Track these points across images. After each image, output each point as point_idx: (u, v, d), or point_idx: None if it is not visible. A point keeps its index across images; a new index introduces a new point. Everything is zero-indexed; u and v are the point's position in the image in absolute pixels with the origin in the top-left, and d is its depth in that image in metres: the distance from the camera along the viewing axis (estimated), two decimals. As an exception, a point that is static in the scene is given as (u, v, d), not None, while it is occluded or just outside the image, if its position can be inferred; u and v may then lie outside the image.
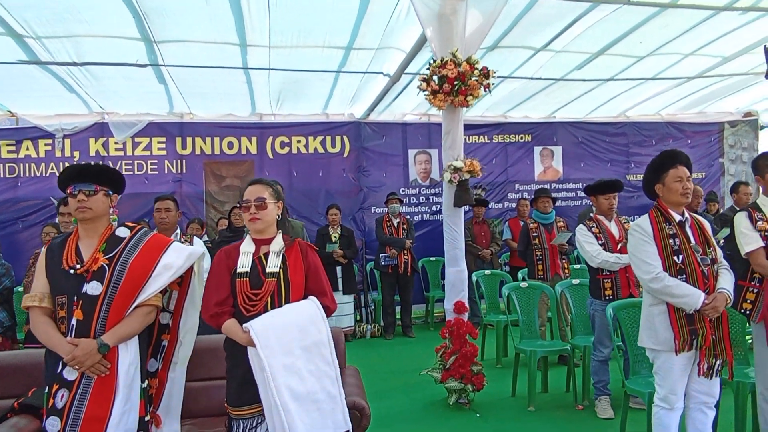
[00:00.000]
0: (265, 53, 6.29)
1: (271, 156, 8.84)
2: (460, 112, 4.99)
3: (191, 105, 8.22)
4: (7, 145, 8.16)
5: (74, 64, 6.33)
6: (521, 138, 9.59)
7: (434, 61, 4.83)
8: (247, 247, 2.87)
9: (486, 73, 4.79)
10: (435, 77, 4.78)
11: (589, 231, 4.76)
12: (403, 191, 9.11)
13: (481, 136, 9.45)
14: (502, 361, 6.24)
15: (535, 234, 6.27)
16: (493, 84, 4.95)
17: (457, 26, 4.79)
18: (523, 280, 6.25)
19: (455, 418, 4.79)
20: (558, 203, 9.40)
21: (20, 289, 6.30)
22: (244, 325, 2.65)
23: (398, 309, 8.25)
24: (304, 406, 2.66)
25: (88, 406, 2.55)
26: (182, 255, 2.83)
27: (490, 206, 9.10)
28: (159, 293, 2.77)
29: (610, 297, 4.63)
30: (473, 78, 4.73)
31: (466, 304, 5.08)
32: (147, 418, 2.77)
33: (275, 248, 2.85)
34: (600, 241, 4.72)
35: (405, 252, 7.91)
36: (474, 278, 6.53)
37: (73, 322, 2.59)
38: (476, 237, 8.16)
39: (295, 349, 2.70)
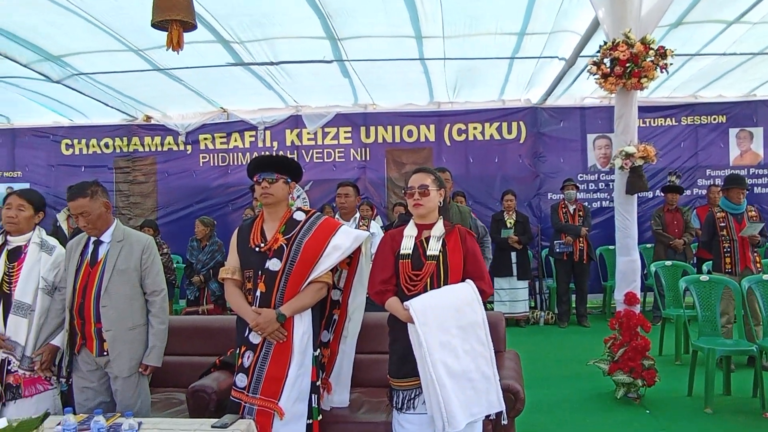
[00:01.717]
0: (439, 43, 6.50)
1: (448, 143, 9.06)
2: (634, 96, 4.77)
3: (374, 96, 8.71)
4: (220, 137, 9.35)
5: (271, 63, 7.06)
6: (714, 119, 8.78)
7: (605, 43, 4.67)
8: (410, 231, 3.07)
9: (662, 53, 4.54)
10: (606, 60, 4.63)
11: None
12: (581, 177, 8.85)
13: (668, 119, 8.83)
14: (681, 358, 5.88)
15: (722, 224, 5.76)
16: (671, 63, 4.67)
17: (631, 5, 4.58)
18: (709, 272, 5.80)
19: (621, 412, 4.65)
20: (757, 190, 8.55)
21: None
22: (405, 303, 2.86)
23: (573, 297, 8.08)
24: (459, 383, 2.81)
25: (269, 367, 2.96)
26: (350, 237, 3.13)
27: (678, 193, 8.51)
28: (330, 271, 3.10)
29: None
30: (648, 59, 4.50)
31: (638, 296, 4.89)
32: (318, 383, 3.12)
33: (436, 233, 3.01)
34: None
35: (581, 239, 7.72)
36: (653, 269, 6.20)
37: (258, 293, 3.02)
38: (667, 226, 7.66)
39: (451, 328, 2.86)
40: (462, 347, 2.87)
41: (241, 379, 2.99)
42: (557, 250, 7.83)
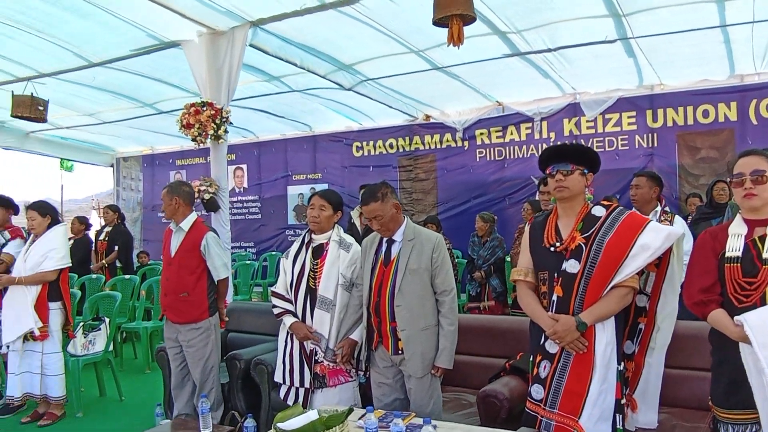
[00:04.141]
0: (748, 4, 5.56)
1: (754, 122, 7.77)
2: None
3: (661, 75, 7.87)
4: (496, 131, 9.33)
5: (549, 50, 6.76)
6: None
7: None
8: (737, 228, 2.53)
9: None
10: None
11: None
12: None
13: None
14: None
15: None
16: None
17: None
18: None
19: None
20: None
21: (509, 258, 7.07)
22: (736, 318, 2.33)
23: None
24: (812, 423, 2.24)
25: (567, 380, 2.67)
26: (660, 235, 2.67)
27: None
28: (636, 274, 2.69)
29: None
30: None
31: None
32: (623, 401, 2.75)
33: (775, 230, 2.44)
34: None
35: None
36: None
37: (554, 297, 2.74)
38: None
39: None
40: (816, 378, 2.26)
41: (537, 391, 2.76)
42: None
